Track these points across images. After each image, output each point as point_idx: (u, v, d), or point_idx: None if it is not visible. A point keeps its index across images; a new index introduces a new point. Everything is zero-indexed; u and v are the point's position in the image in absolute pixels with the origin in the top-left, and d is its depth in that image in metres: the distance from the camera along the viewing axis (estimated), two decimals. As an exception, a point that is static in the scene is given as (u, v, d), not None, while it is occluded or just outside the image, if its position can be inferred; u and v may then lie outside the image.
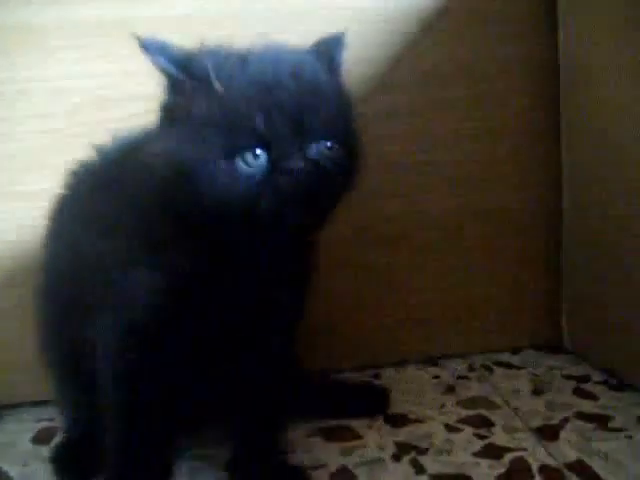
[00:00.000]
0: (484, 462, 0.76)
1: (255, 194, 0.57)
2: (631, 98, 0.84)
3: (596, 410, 0.85)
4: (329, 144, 0.60)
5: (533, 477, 0.72)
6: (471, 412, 0.87)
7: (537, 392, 0.91)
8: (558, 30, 1.00)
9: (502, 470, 0.74)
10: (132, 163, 0.64)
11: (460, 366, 1.02)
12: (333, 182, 0.60)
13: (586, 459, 0.74)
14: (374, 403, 0.90)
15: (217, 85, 0.58)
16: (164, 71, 0.59)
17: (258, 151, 0.57)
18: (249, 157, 0.57)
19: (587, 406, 0.87)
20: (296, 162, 0.57)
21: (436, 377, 0.99)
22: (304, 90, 0.59)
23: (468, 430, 0.83)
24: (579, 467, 0.73)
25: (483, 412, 0.87)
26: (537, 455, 0.76)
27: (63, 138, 0.93)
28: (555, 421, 0.83)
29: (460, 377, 0.98)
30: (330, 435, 0.84)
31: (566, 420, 0.83)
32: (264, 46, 0.63)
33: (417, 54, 0.99)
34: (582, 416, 0.84)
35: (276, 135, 0.57)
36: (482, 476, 0.73)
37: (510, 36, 1.02)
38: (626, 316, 0.89)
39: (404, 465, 0.76)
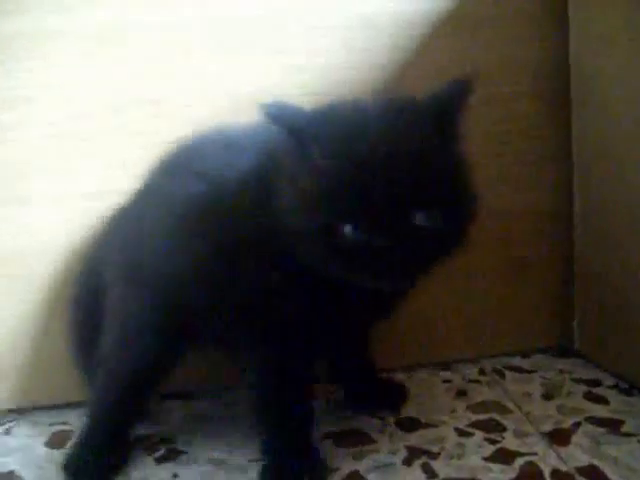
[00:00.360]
0: (495, 467, 0.76)
1: (344, 264, 0.62)
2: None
3: (607, 414, 0.85)
4: (425, 214, 0.61)
5: (544, 482, 0.73)
6: (482, 416, 0.87)
7: (548, 396, 0.91)
8: (569, 32, 1.00)
9: (513, 475, 0.74)
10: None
11: (471, 370, 1.02)
12: (423, 252, 0.63)
13: (598, 464, 0.74)
14: (391, 399, 0.92)
15: (316, 161, 0.62)
16: (281, 137, 0.65)
17: (350, 225, 0.60)
18: (341, 230, 0.61)
19: (599, 410, 0.86)
20: (383, 239, 0.60)
21: (447, 381, 0.99)
22: (399, 162, 0.60)
23: (479, 434, 0.83)
24: (591, 472, 0.73)
25: (494, 416, 0.87)
26: (548, 460, 0.76)
27: (71, 142, 0.94)
28: (566, 425, 0.83)
29: (471, 381, 0.98)
30: (341, 440, 0.84)
31: (577, 424, 0.83)
32: (369, 104, 0.65)
33: (426, 58, 0.99)
34: (594, 420, 0.84)
35: (366, 212, 0.60)
36: (493, 480, 0.73)
37: (520, 39, 1.02)
38: (638, 320, 0.89)
39: (415, 469, 0.76)
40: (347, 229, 0.61)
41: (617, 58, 0.89)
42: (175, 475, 0.79)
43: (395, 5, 0.97)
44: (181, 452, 0.84)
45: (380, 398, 0.92)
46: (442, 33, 0.99)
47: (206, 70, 0.95)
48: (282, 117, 0.64)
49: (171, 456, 0.83)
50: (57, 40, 0.92)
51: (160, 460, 0.83)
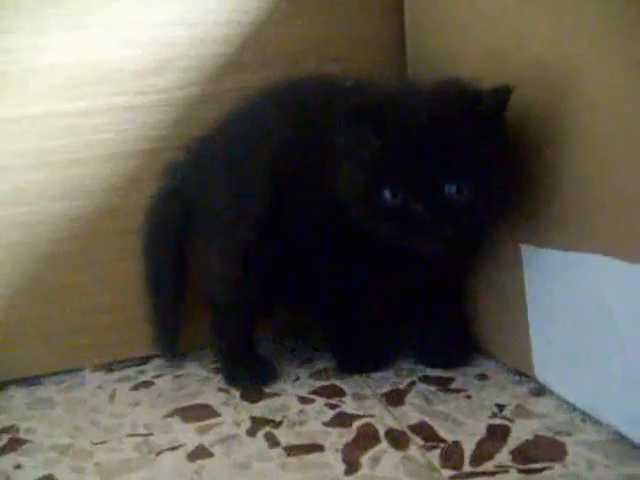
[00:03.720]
0: (334, 430, 0.79)
1: (387, 226, 0.75)
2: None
3: (439, 373, 0.91)
4: (455, 187, 0.72)
5: (379, 441, 0.77)
6: (324, 383, 0.91)
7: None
8: (404, 10, 1.04)
9: (351, 437, 0.77)
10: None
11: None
12: (453, 221, 0.73)
13: (428, 420, 0.79)
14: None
15: (377, 141, 0.74)
16: (356, 128, 0.76)
17: (388, 191, 0.74)
18: (387, 194, 0.74)
19: (431, 370, 0.92)
20: (417, 204, 0.72)
21: (293, 351, 1.02)
22: (437, 144, 0.72)
23: (320, 400, 0.86)
24: (421, 428, 0.78)
25: (335, 382, 0.91)
26: (384, 420, 0.80)
27: None
28: (402, 386, 0.88)
29: (315, 349, 1.02)
30: (186, 415, 0.86)
31: (412, 384, 0.88)
32: (422, 88, 0.78)
33: (266, 33, 1.01)
34: (426, 380, 0.89)
35: (409, 181, 0.73)
36: (332, 444, 0.76)
37: (359, 16, 1.05)
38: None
39: (259, 439, 0.79)
40: (387, 194, 0.74)
41: (448, 39, 0.94)
42: (18, 466, 0.78)
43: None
44: (25, 441, 0.83)
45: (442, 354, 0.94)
46: (282, 10, 1.01)
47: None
48: (355, 113, 0.76)
49: (13, 446, 0.82)
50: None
51: (1, 451, 0.81)
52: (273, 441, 0.78)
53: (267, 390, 0.90)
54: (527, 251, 0.80)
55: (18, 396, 0.95)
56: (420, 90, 0.78)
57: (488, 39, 0.83)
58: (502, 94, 0.73)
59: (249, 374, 0.93)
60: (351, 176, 0.78)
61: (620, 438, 0.71)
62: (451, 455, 0.72)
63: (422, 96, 0.77)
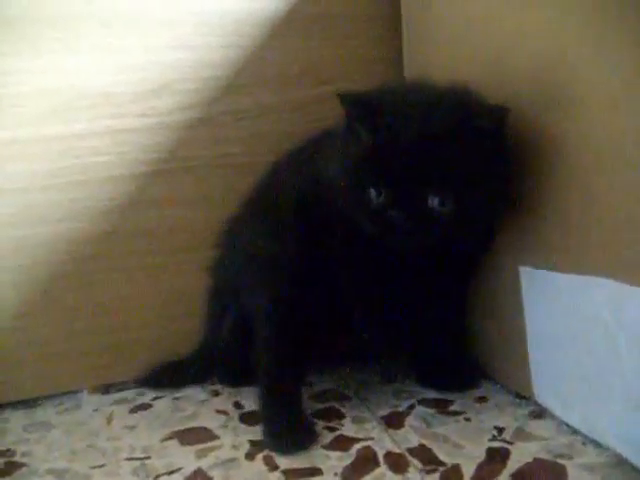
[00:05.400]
0: (334, 454, 0.79)
1: (369, 220, 0.74)
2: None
3: (438, 395, 0.91)
4: (438, 200, 0.71)
5: (378, 464, 0.76)
6: (323, 405, 0.91)
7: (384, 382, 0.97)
8: (402, 31, 1.05)
9: (350, 460, 0.77)
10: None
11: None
12: (432, 233, 0.73)
13: (427, 443, 0.79)
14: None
15: (369, 139, 0.73)
16: (351, 120, 0.76)
17: (374, 190, 0.73)
18: (373, 192, 0.73)
19: (431, 392, 0.92)
20: (398, 211, 0.72)
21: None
22: (429, 150, 0.70)
23: (320, 423, 0.86)
24: (420, 451, 0.77)
25: (334, 405, 0.91)
26: (383, 443, 0.80)
27: None
28: (401, 409, 0.88)
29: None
30: (185, 438, 0.85)
31: (411, 407, 0.88)
32: (418, 92, 0.76)
33: (259, 56, 1.02)
34: (426, 402, 0.89)
35: (393, 185, 0.72)
36: (331, 467, 0.76)
37: (355, 38, 1.06)
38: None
39: (258, 463, 0.78)
40: (372, 193, 0.73)
41: (447, 58, 0.94)
42: (14, 489, 0.77)
43: (225, 3, 0.99)
44: (21, 464, 0.82)
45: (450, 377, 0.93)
46: (275, 32, 1.01)
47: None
48: (346, 99, 0.76)
49: (10, 470, 0.81)
50: None
51: (-2, 475, 0.81)
52: (272, 465, 0.77)
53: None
54: (526, 273, 0.80)
55: (15, 419, 0.94)
56: (422, 95, 0.75)
57: (486, 52, 0.83)
58: (497, 113, 0.72)
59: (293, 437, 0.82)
60: (342, 168, 0.77)
61: (620, 461, 0.70)
62: (450, 478, 0.72)
63: (421, 102, 0.73)
